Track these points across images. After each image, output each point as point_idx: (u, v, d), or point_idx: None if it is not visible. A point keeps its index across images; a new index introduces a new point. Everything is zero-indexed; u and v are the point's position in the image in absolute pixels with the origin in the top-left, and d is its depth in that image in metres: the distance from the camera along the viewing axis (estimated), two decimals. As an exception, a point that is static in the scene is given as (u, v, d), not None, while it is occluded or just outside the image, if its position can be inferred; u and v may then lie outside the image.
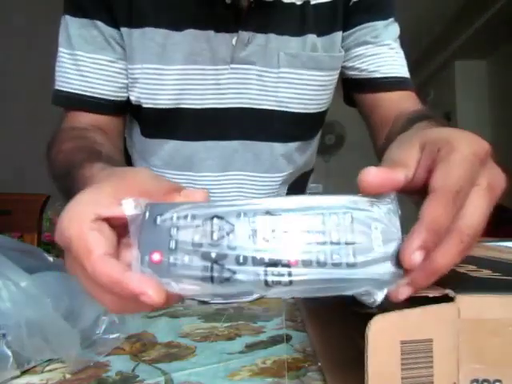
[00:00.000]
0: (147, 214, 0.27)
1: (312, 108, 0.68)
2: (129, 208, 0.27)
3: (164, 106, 0.64)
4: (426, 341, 0.26)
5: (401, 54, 0.71)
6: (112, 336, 0.49)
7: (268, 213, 0.25)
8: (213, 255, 0.25)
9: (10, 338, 0.39)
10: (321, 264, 0.24)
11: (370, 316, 0.26)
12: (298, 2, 0.64)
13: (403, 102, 0.68)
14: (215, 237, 0.25)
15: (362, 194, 0.26)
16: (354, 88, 0.72)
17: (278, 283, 0.24)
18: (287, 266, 0.24)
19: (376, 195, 0.26)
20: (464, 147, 0.27)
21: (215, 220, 0.26)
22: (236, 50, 0.63)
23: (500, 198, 0.31)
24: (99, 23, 0.62)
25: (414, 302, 0.27)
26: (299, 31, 0.65)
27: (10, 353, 0.39)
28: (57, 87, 0.66)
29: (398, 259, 0.24)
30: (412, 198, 0.30)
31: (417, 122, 0.50)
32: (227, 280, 0.24)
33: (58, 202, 2.14)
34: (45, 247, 1.72)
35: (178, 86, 0.63)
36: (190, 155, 0.66)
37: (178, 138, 0.67)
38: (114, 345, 0.48)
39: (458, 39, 4.61)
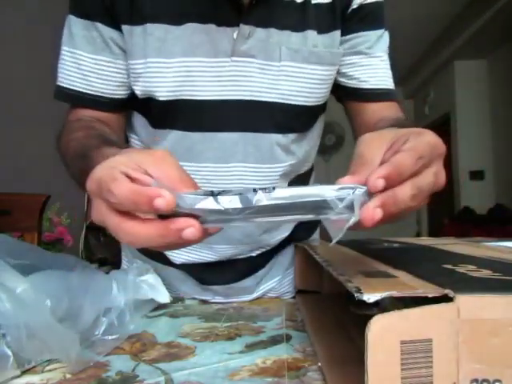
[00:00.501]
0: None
1: (311, 101, 0.70)
2: None
3: (165, 98, 0.65)
4: (426, 341, 0.26)
5: (388, 64, 0.75)
6: (111, 337, 0.49)
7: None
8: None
9: (10, 338, 0.39)
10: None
11: (370, 316, 0.26)
12: (299, 0, 0.66)
13: (386, 111, 0.72)
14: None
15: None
16: (341, 93, 0.76)
17: (263, 189, 0.30)
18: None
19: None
20: (430, 138, 0.35)
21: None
22: (237, 43, 0.64)
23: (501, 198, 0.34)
24: (99, 25, 0.64)
25: (413, 302, 0.27)
26: (300, 27, 0.66)
27: (10, 353, 0.39)
28: (59, 83, 0.69)
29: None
30: None
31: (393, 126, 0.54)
32: (223, 192, 0.30)
33: (58, 202, 2.14)
34: (45, 247, 1.72)
35: (179, 78, 0.64)
36: (191, 146, 0.68)
37: (178, 128, 0.68)
38: (114, 345, 0.48)
39: (457, 39, 4.60)
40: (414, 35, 4.77)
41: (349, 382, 0.35)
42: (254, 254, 0.76)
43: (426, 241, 0.67)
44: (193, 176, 0.36)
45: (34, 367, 0.43)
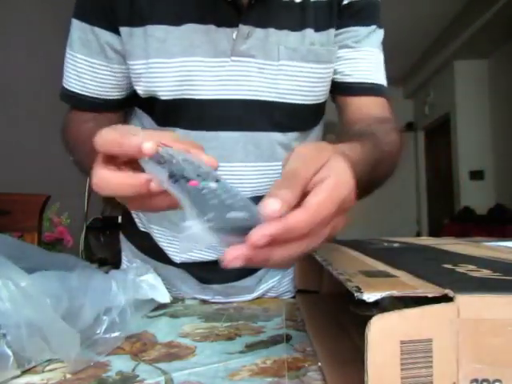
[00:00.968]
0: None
1: (310, 99, 0.71)
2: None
3: (167, 98, 0.66)
4: (426, 341, 0.26)
5: (380, 60, 0.74)
6: (113, 335, 0.49)
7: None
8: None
9: (10, 338, 0.39)
10: None
11: (370, 316, 0.26)
12: (298, 0, 0.67)
13: (370, 107, 0.71)
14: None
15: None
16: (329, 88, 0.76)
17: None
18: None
19: None
20: (345, 192, 0.32)
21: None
22: (236, 43, 0.65)
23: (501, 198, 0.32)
24: (97, 29, 0.66)
25: (413, 302, 0.27)
26: (298, 26, 0.67)
27: (10, 352, 0.39)
28: (64, 85, 0.71)
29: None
30: None
31: (355, 137, 0.53)
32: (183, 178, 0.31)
33: (57, 202, 2.14)
34: (45, 247, 1.72)
35: (179, 77, 0.65)
36: None
37: (181, 127, 0.69)
38: (115, 345, 0.48)
39: (458, 39, 4.60)
40: (413, 35, 4.77)
41: (349, 382, 0.35)
42: None
43: (425, 241, 0.67)
44: None
45: (34, 367, 0.43)
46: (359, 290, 0.28)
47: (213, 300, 0.76)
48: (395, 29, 4.16)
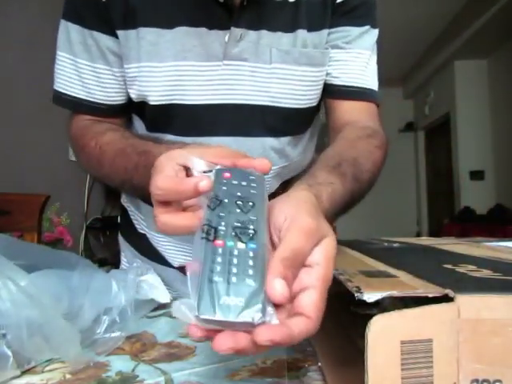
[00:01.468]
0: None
1: (303, 103, 0.69)
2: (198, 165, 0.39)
3: (158, 103, 0.65)
4: (426, 341, 0.26)
5: (371, 63, 0.71)
6: (113, 335, 0.49)
7: None
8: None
9: (10, 337, 0.39)
10: None
11: (370, 316, 0.26)
12: (291, 0, 0.65)
13: (357, 113, 0.70)
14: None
15: None
16: None
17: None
18: None
19: None
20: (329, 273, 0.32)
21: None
22: (228, 46, 0.63)
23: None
24: (95, 33, 0.64)
25: (413, 302, 0.27)
26: (291, 27, 0.65)
27: (10, 353, 0.39)
28: (58, 89, 0.69)
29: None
30: None
31: (335, 172, 0.51)
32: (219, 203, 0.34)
33: (57, 202, 2.14)
34: (45, 247, 1.72)
35: (170, 82, 0.64)
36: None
37: (172, 132, 0.68)
38: (115, 345, 0.48)
39: (457, 39, 4.60)
40: (414, 35, 4.77)
41: (349, 382, 0.35)
42: None
43: (425, 241, 0.67)
44: None
45: (34, 367, 0.43)
46: (359, 290, 0.28)
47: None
48: (395, 29, 4.16)
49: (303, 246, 0.32)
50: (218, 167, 0.39)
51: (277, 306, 0.29)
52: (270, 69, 0.65)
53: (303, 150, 0.77)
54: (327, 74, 0.70)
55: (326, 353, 0.42)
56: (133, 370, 0.42)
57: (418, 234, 6.11)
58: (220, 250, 0.31)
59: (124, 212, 0.85)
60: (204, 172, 0.39)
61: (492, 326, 0.26)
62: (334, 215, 0.47)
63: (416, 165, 6.54)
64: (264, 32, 0.64)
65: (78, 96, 0.68)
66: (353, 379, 0.32)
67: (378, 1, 0.71)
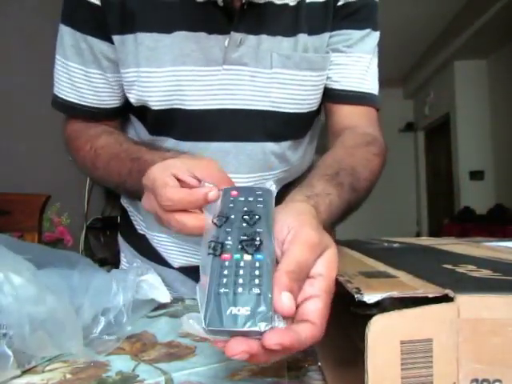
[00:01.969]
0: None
1: (304, 108, 0.69)
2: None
3: (158, 107, 0.65)
4: (426, 341, 0.26)
5: (371, 66, 0.71)
6: (108, 337, 0.49)
7: None
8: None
9: (12, 333, 0.39)
10: None
11: (370, 316, 0.26)
12: (292, 3, 0.64)
13: (356, 118, 0.69)
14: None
15: None
16: None
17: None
18: None
19: None
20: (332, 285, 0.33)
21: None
22: (228, 51, 0.63)
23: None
24: (89, 38, 0.64)
25: (413, 302, 0.27)
26: (291, 31, 0.65)
27: (10, 353, 0.39)
28: (55, 92, 0.70)
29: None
30: None
31: (333, 182, 0.51)
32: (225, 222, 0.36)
33: (58, 202, 2.14)
34: (45, 247, 1.72)
35: (170, 87, 0.64)
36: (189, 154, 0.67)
37: (172, 137, 0.68)
38: (115, 345, 0.48)
39: (457, 39, 4.60)
40: (414, 35, 4.77)
41: (349, 382, 0.35)
42: None
43: (425, 241, 0.67)
44: None
45: (35, 367, 0.43)
46: (359, 291, 0.28)
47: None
48: (395, 29, 4.16)
49: (307, 258, 0.32)
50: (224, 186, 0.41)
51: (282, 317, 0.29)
52: (270, 73, 0.65)
53: (303, 153, 0.77)
54: (327, 78, 0.69)
55: (326, 353, 0.42)
56: (133, 370, 0.42)
57: (418, 234, 6.11)
58: (227, 263, 0.31)
59: (124, 212, 0.84)
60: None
61: (492, 325, 0.26)
62: (331, 225, 0.47)
63: (416, 165, 6.54)
64: (264, 36, 0.63)
65: (69, 100, 0.68)
66: (353, 379, 0.32)
67: (378, 1, 0.71)
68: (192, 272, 0.76)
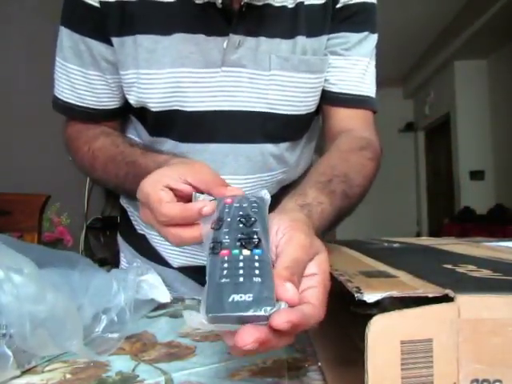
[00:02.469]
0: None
1: (302, 110, 0.69)
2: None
3: (158, 109, 0.65)
4: (426, 341, 0.26)
5: (369, 69, 0.71)
6: (111, 335, 0.49)
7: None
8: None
9: (13, 332, 0.39)
10: None
11: (370, 316, 0.26)
12: (290, 5, 0.64)
13: (352, 121, 0.70)
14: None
15: None
16: None
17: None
18: None
19: None
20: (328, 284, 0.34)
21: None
22: (227, 53, 0.63)
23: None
24: (88, 39, 0.64)
25: (413, 302, 0.27)
26: (290, 34, 0.65)
27: (10, 353, 0.39)
28: (55, 94, 0.70)
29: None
30: None
31: (326, 190, 0.51)
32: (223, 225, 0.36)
33: (58, 202, 2.14)
34: (45, 247, 1.72)
35: (169, 89, 0.64)
36: (182, 157, 0.67)
37: (172, 138, 0.69)
38: (115, 345, 0.48)
39: (457, 39, 4.60)
40: (414, 35, 4.77)
41: (349, 382, 0.35)
42: None
43: (425, 241, 0.67)
44: None
45: (34, 367, 0.43)
46: (359, 290, 0.28)
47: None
48: (395, 29, 4.16)
49: (302, 257, 0.33)
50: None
51: None
52: (268, 75, 0.65)
53: (300, 153, 0.77)
54: (325, 81, 0.70)
55: (326, 353, 0.42)
56: (133, 370, 0.42)
57: (418, 234, 6.11)
58: (226, 258, 0.32)
59: (123, 212, 0.85)
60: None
61: (492, 325, 0.26)
62: (322, 233, 0.47)
63: (416, 165, 6.54)
64: (263, 39, 0.63)
65: (69, 101, 0.68)
66: (353, 379, 0.32)
67: (378, 1, 0.71)
68: (192, 272, 0.76)
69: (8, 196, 1.24)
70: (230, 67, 0.64)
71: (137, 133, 0.74)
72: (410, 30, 4.61)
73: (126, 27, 0.62)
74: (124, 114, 0.73)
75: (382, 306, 0.30)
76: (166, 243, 0.76)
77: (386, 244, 0.61)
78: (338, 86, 0.69)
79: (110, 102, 0.69)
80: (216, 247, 0.33)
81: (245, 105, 0.66)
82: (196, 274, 0.75)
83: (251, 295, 0.28)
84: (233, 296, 0.28)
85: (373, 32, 0.70)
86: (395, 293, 0.27)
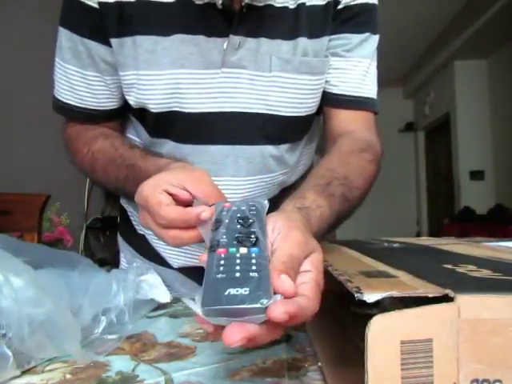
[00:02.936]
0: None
1: (302, 111, 0.69)
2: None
3: (157, 110, 0.65)
4: (426, 341, 0.26)
5: (370, 71, 0.71)
6: (110, 337, 0.49)
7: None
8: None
9: (12, 334, 0.39)
10: None
11: (370, 316, 0.26)
12: (292, 6, 0.64)
13: (353, 123, 0.70)
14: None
15: None
16: None
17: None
18: None
19: None
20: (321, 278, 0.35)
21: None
22: (227, 54, 0.62)
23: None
24: (86, 40, 0.64)
25: (413, 302, 0.27)
26: (291, 35, 0.64)
27: (10, 353, 0.39)
28: (55, 94, 0.70)
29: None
30: None
31: (325, 193, 0.51)
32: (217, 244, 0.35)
33: (58, 202, 2.14)
34: (45, 247, 1.72)
35: (169, 90, 0.63)
36: (182, 157, 0.67)
37: (171, 139, 0.69)
38: (115, 345, 0.48)
39: (457, 39, 4.60)
40: (414, 35, 4.77)
41: (349, 382, 0.35)
42: None
43: (425, 241, 0.67)
44: None
45: (34, 367, 0.43)
46: (359, 290, 0.28)
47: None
48: (395, 29, 4.16)
49: (297, 253, 0.34)
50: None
51: None
52: (269, 77, 0.65)
53: (301, 154, 0.77)
54: (326, 82, 0.69)
55: (326, 353, 0.42)
56: (133, 370, 0.42)
57: (418, 234, 6.11)
58: (223, 256, 0.32)
59: (123, 213, 0.84)
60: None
61: (492, 326, 0.26)
62: (321, 237, 0.47)
63: (416, 165, 6.54)
64: (263, 40, 0.63)
65: (68, 102, 0.68)
66: (353, 379, 0.32)
67: (378, 1, 0.70)
68: (192, 272, 0.76)
69: (8, 196, 1.24)
70: (230, 68, 0.63)
71: (137, 133, 0.74)
72: (410, 30, 4.61)
73: (125, 28, 0.62)
74: (123, 114, 0.73)
75: (382, 306, 0.30)
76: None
77: (385, 244, 0.61)
78: (339, 88, 0.69)
79: (109, 103, 0.69)
80: (213, 246, 0.34)
81: (245, 106, 0.65)
82: (196, 274, 0.75)
83: (247, 289, 0.28)
84: (229, 290, 0.28)
85: (374, 33, 0.70)
86: (395, 293, 0.27)
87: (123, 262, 0.86)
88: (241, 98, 0.65)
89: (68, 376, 0.41)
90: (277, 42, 0.64)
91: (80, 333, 0.43)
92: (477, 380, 0.26)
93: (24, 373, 0.41)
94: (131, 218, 0.82)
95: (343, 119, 0.70)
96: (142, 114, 0.68)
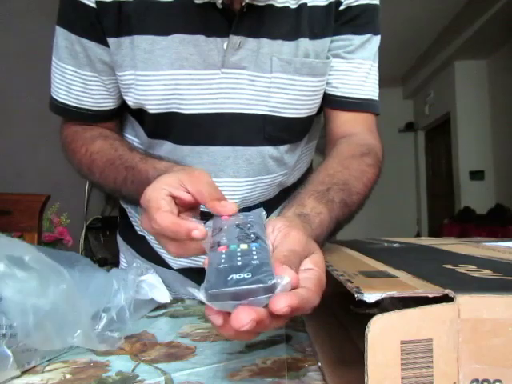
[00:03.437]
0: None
1: (303, 113, 0.68)
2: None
3: (156, 111, 0.64)
4: (426, 341, 0.26)
5: (372, 72, 0.71)
6: (111, 334, 0.49)
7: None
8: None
9: (16, 324, 0.38)
10: None
11: (370, 316, 0.26)
12: (293, 6, 0.63)
13: (354, 125, 0.69)
14: None
15: None
16: None
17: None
18: None
19: None
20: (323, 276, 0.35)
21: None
22: (227, 54, 0.62)
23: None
24: (83, 40, 0.63)
25: (414, 302, 0.27)
26: (292, 36, 0.64)
27: (10, 353, 0.39)
28: (51, 94, 0.70)
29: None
30: None
31: (324, 199, 0.51)
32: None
33: (57, 202, 2.14)
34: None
35: (167, 91, 0.63)
36: (181, 159, 0.66)
37: (170, 140, 0.68)
38: (118, 343, 0.48)
39: (458, 39, 4.60)
40: (414, 35, 4.77)
41: (349, 382, 0.35)
42: None
43: (425, 241, 0.67)
44: None
45: (34, 367, 0.43)
46: (359, 290, 0.28)
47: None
48: (395, 29, 4.16)
49: (298, 250, 0.34)
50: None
51: None
52: (270, 78, 0.64)
53: (300, 155, 0.77)
54: (327, 84, 0.69)
55: (326, 353, 0.42)
56: (133, 370, 0.42)
57: (418, 234, 6.11)
58: (224, 251, 0.33)
59: (123, 213, 0.84)
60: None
61: (492, 325, 0.26)
62: (321, 243, 0.47)
63: (416, 165, 6.54)
64: (264, 40, 0.63)
65: (65, 102, 0.68)
66: (353, 379, 0.32)
67: (379, 1, 0.70)
68: (192, 274, 0.76)
69: (8, 196, 1.24)
70: (230, 69, 0.63)
71: (135, 134, 0.74)
72: (410, 30, 4.61)
73: (123, 28, 0.61)
74: (121, 114, 0.73)
75: (382, 306, 0.30)
76: None
77: (385, 244, 0.61)
78: (340, 90, 0.69)
79: (106, 103, 0.69)
80: (214, 246, 0.34)
81: (245, 107, 0.65)
82: (196, 275, 0.75)
83: (250, 273, 0.29)
84: (232, 275, 0.29)
85: (376, 34, 0.69)
86: (395, 293, 0.27)
87: (123, 263, 0.86)
88: (241, 99, 0.64)
89: (68, 376, 0.41)
90: (278, 43, 0.63)
91: (87, 321, 0.43)
92: (477, 380, 0.26)
93: (24, 373, 0.41)
94: (131, 219, 0.82)
95: (344, 121, 0.70)
96: (140, 114, 0.67)
